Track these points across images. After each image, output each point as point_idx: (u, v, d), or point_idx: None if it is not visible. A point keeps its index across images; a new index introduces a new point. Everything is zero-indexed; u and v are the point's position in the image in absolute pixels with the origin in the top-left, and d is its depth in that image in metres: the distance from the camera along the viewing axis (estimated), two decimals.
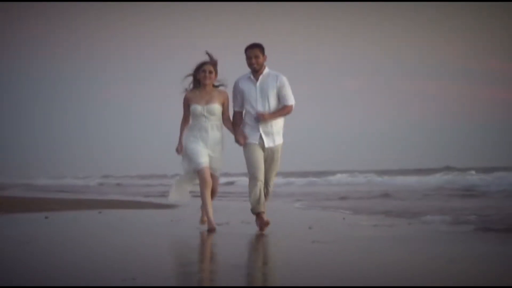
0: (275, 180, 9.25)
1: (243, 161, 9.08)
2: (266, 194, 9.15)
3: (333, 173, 45.98)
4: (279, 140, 9.03)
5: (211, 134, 9.09)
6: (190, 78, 9.24)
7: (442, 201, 16.88)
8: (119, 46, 67.15)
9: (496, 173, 30.59)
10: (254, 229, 9.20)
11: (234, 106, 9.09)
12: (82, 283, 5.18)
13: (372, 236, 8.70)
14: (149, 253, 6.99)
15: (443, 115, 70.60)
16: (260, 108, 8.89)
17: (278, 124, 8.99)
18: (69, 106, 71.80)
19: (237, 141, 9.02)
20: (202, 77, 9.10)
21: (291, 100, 8.93)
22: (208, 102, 9.07)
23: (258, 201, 8.98)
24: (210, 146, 9.10)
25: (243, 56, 9.00)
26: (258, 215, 9.07)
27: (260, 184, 8.96)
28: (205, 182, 9.04)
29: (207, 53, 9.15)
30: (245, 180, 18.80)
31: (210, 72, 9.08)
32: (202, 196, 9.10)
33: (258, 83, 8.92)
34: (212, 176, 9.15)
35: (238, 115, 9.09)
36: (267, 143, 8.95)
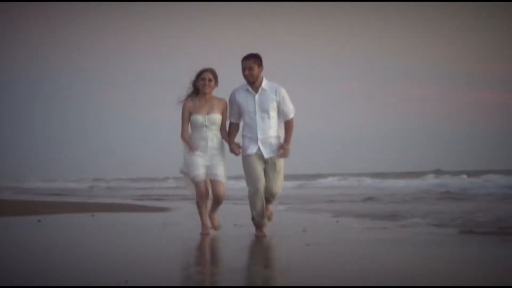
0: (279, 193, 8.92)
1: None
2: (272, 201, 8.95)
3: (325, 176, 46.09)
4: (278, 151, 8.79)
5: (211, 144, 8.89)
6: (187, 86, 9.05)
7: (428, 204, 17.02)
8: (118, 47, 67.19)
9: (484, 176, 30.76)
10: (247, 232, 9.19)
11: (230, 117, 8.93)
12: (81, 284, 5.18)
13: (369, 239, 8.72)
14: (142, 256, 6.99)
15: (437, 118, 70.82)
16: (259, 120, 8.71)
17: (274, 133, 8.78)
18: (55, 108, 71.70)
19: (232, 151, 8.91)
20: (201, 85, 8.91)
21: (291, 113, 8.80)
22: (209, 112, 8.89)
23: (262, 215, 8.83)
24: (209, 155, 8.88)
25: (241, 58, 8.77)
26: (259, 227, 8.93)
27: (261, 194, 8.75)
28: (200, 195, 8.91)
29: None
30: (232, 183, 18.94)
31: (210, 80, 8.91)
32: (197, 207, 8.99)
33: (257, 96, 8.74)
34: (217, 182, 8.90)
35: (234, 126, 8.95)
36: (266, 154, 8.75)
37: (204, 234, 8.96)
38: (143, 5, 59.55)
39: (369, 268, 6.10)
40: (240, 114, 8.85)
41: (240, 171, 9.06)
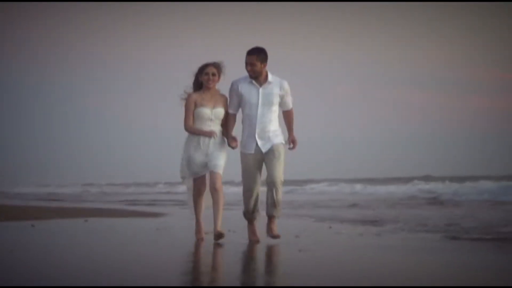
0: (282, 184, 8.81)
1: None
2: (275, 204, 8.79)
3: (318, 181, 46.19)
4: (276, 140, 8.77)
5: (214, 139, 8.78)
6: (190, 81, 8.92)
7: (415, 210, 17.24)
8: (112, 48, 67.15)
9: (473, 182, 30.91)
10: (241, 238, 9.21)
11: (228, 108, 8.85)
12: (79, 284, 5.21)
13: (361, 244, 8.77)
14: (136, 262, 7.00)
15: (429, 123, 70.97)
16: (260, 113, 8.69)
17: (273, 127, 8.77)
18: (46, 113, 71.50)
19: (229, 144, 8.87)
20: (205, 79, 8.79)
21: (291, 104, 8.88)
22: (215, 105, 8.79)
23: (253, 210, 8.88)
24: (211, 149, 8.76)
25: (241, 58, 8.76)
26: (250, 221, 8.99)
27: (255, 195, 8.83)
28: (198, 191, 8.95)
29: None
30: (224, 187, 18.94)
31: (214, 74, 8.78)
32: (194, 203, 9.01)
33: (261, 89, 8.70)
34: (214, 173, 8.73)
35: (232, 117, 8.88)
36: (264, 148, 8.72)
37: (199, 238, 8.95)
38: (144, 5, 59.28)
39: (361, 275, 6.15)
40: (239, 105, 8.81)
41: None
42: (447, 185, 32.08)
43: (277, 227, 8.91)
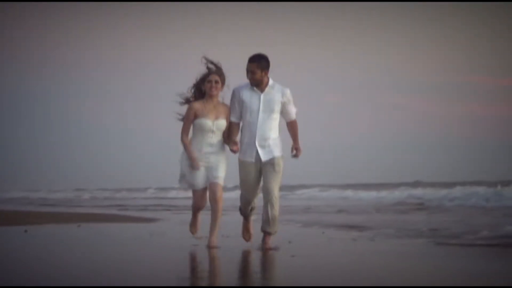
0: (278, 196, 8.62)
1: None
2: (270, 221, 8.59)
3: (309, 187, 46.24)
4: (277, 152, 8.63)
5: (215, 148, 8.60)
6: (189, 89, 8.71)
7: (402, 216, 17.38)
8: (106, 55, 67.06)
9: (462, 188, 31.02)
10: (234, 243, 9.24)
11: (230, 116, 8.63)
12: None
13: (353, 250, 8.82)
14: (131, 268, 7.03)
15: (420, 129, 71.12)
16: (261, 121, 8.53)
17: (273, 135, 8.61)
18: (38, 118, 71.31)
19: (230, 149, 8.63)
20: (208, 88, 8.54)
21: (294, 114, 8.72)
22: (217, 117, 8.57)
23: (247, 213, 8.92)
24: (211, 160, 8.57)
25: (242, 60, 8.65)
26: (246, 218, 8.97)
27: (252, 203, 8.83)
28: (197, 205, 8.85)
29: (207, 60, 8.65)
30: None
31: (217, 82, 8.55)
32: (192, 215, 8.98)
33: (262, 95, 8.55)
34: (214, 184, 8.57)
35: (235, 126, 8.68)
36: (264, 157, 8.58)
37: (197, 237, 9.03)
38: (145, 5, 58.97)
39: (352, 279, 6.21)
40: (241, 113, 8.62)
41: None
42: (436, 191, 32.22)
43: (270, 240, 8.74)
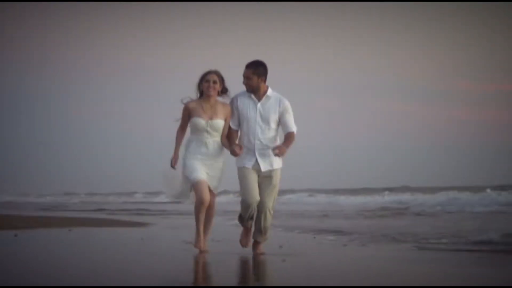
0: (272, 209, 8.60)
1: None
2: (262, 231, 8.62)
3: (296, 191, 46.33)
4: (277, 164, 8.55)
5: (212, 150, 8.48)
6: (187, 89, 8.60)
7: (387, 221, 17.57)
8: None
9: (449, 192, 31.19)
10: (225, 247, 9.27)
11: (230, 123, 8.53)
12: None
13: (345, 255, 8.88)
14: (123, 273, 7.06)
15: (410, 134, 71.25)
16: (258, 130, 8.44)
17: (272, 144, 8.45)
18: (23, 122, 71.04)
19: (232, 152, 8.43)
20: (205, 87, 8.46)
21: (294, 127, 8.50)
22: (212, 117, 8.46)
23: (250, 218, 8.62)
24: (209, 163, 8.48)
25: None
26: (245, 228, 8.80)
27: (253, 208, 8.53)
28: (201, 199, 8.39)
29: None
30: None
31: (215, 82, 8.46)
32: (196, 214, 8.48)
33: (259, 104, 8.46)
34: (211, 194, 8.50)
35: (234, 133, 8.57)
36: (264, 166, 8.49)
37: (202, 251, 8.55)
38: (145, 5, 58.76)
39: (344, 281, 6.27)
40: (240, 121, 8.52)
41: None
42: (421, 196, 32.46)
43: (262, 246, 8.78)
